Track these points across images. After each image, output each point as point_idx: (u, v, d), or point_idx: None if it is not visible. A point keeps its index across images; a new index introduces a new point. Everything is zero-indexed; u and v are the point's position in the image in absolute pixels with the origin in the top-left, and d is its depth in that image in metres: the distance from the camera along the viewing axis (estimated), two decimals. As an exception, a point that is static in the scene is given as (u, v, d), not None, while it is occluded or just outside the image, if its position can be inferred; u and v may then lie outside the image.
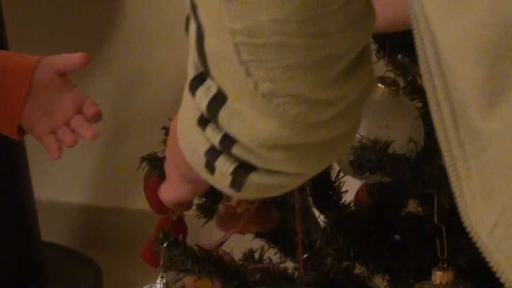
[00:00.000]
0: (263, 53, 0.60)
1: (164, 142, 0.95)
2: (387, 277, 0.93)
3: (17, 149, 1.64)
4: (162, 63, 1.70)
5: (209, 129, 0.67)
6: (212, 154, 0.68)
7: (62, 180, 1.97)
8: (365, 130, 0.88)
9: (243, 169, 0.68)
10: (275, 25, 0.58)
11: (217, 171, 0.68)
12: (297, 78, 0.61)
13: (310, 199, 0.96)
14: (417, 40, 0.62)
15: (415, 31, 0.62)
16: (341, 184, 0.94)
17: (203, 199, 1.01)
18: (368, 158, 0.85)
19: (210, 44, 0.62)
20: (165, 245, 0.91)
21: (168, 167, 0.89)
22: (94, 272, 1.58)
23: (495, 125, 0.57)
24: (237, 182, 0.69)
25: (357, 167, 0.85)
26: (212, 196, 1.00)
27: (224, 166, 0.67)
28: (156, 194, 1.07)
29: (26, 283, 1.49)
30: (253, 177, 0.68)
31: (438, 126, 0.62)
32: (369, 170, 0.87)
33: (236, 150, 0.66)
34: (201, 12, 0.62)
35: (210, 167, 0.68)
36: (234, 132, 0.65)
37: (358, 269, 0.95)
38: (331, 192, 0.94)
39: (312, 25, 0.60)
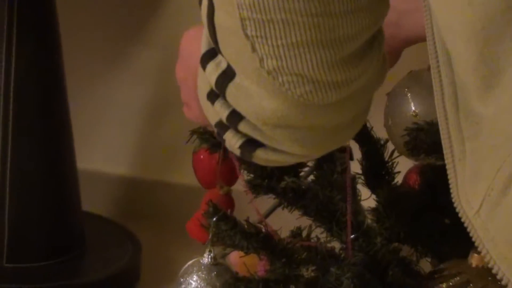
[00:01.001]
0: (268, 29, 0.60)
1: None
2: (434, 261, 0.93)
3: (61, 118, 1.65)
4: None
5: (218, 104, 0.68)
6: (221, 127, 0.70)
7: (105, 151, 1.99)
8: (421, 111, 0.87)
9: (250, 144, 0.69)
10: (281, 1, 0.58)
11: (226, 142, 0.70)
12: (302, 57, 0.61)
13: (361, 178, 0.95)
14: (427, 25, 0.62)
15: (426, 16, 0.62)
16: (394, 164, 0.93)
17: (251, 175, 1.01)
18: (424, 140, 0.85)
19: (219, 19, 0.63)
20: (214, 219, 0.91)
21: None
22: (133, 244, 1.60)
23: (491, 109, 0.57)
24: (245, 155, 0.71)
25: (412, 149, 0.85)
26: (260, 172, 1.00)
27: (232, 140, 0.69)
28: (204, 168, 1.08)
29: (65, 252, 1.52)
30: (259, 153, 0.70)
31: (439, 109, 0.62)
32: (424, 152, 0.86)
33: (242, 127, 0.68)
34: None
35: (220, 137, 0.71)
36: (241, 108, 0.67)
37: (405, 252, 0.96)
38: (383, 172, 0.93)
39: (318, 4, 0.59)
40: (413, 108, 0.88)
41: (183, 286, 0.97)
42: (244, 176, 1.06)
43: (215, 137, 1.02)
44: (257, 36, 0.62)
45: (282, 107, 0.65)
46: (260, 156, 0.72)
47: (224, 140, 0.73)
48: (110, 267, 1.57)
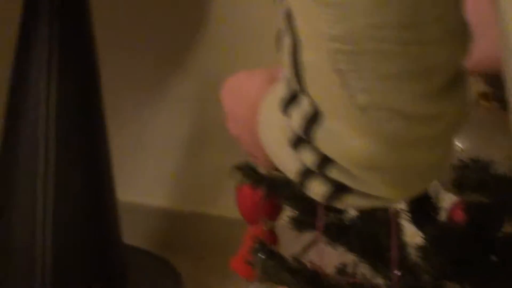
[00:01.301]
0: (359, 61, 0.59)
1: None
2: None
3: (101, 150, 1.68)
4: (248, 67, 1.75)
5: (303, 150, 0.66)
6: (304, 175, 0.68)
7: (144, 183, 2.01)
8: (467, 147, 0.87)
9: (337, 191, 0.67)
10: (372, 30, 0.58)
11: (311, 190, 0.68)
12: (394, 89, 0.60)
13: (405, 214, 0.95)
14: (504, 49, 0.60)
15: (502, 41, 0.61)
16: (440, 200, 0.94)
17: (296, 212, 1.02)
18: (470, 177, 0.85)
19: (305, 56, 0.62)
20: (260, 255, 0.92)
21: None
22: (174, 276, 1.62)
23: None
24: (330, 201, 0.69)
25: (458, 186, 0.85)
26: (304, 208, 1.01)
27: (319, 188, 0.67)
28: (248, 203, 1.10)
29: (106, 284, 1.55)
30: (347, 198, 0.68)
31: None
32: (471, 189, 0.87)
33: (331, 172, 0.66)
34: (298, 21, 0.61)
35: (302, 184, 0.68)
36: (330, 152, 0.65)
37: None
38: (429, 208, 0.93)
39: (410, 32, 0.59)
40: (459, 145, 0.87)
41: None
42: (287, 211, 1.06)
43: (258, 173, 1.06)
44: (348, 70, 0.61)
45: (374, 147, 0.64)
46: (347, 202, 0.70)
47: (306, 189, 0.70)
48: (151, 299, 1.61)
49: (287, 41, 0.64)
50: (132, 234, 1.82)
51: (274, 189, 1.03)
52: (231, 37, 1.98)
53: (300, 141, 0.66)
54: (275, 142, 0.71)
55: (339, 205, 0.70)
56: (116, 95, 1.84)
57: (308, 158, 0.66)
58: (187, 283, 1.80)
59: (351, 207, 0.86)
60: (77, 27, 1.65)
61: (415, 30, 0.59)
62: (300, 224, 0.98)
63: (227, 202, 1.84)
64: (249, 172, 1.03)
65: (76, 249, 1.70)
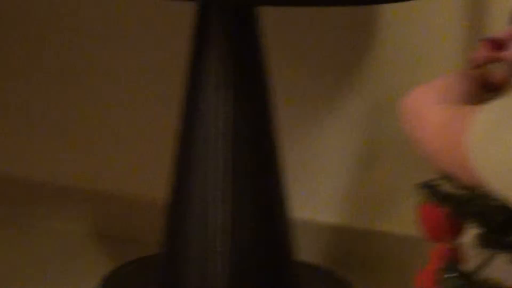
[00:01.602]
0: None
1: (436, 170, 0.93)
2: None
3: (274, 168, 1.69)
4: (418, 85, 1.80)
5: None
6: None
7: (317, 200, 2.00)
8: None
9: None
10: None
11: None
12: None
13: None
14: None
15: None
16: None
17: (484, 229, 1.01)
18: None
19: None
20: (449, 274, 0.92)
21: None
22: None
23: None
24: None
25: None
26: (494, 226, 1.01)
27: None
28: (433, 222, 1.10)
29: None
30: None
31: None
32: None
33: None
34: None
35: None
36: None
37: None
38: None
39: None
40: None
41: None
42: (471, 230, 1.08)
43: (443, 191, 1.01)
44: None
45: None
46: None
47: None
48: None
49: None
50: (305, 251, 1.82)
51: (460, 207, 1.00)
52: (399, 57, 1.96)
53: None
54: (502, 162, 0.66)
55: None
56: (288, 113, 1.86)
57: None
58: None
59: None
60: (250, 50, 1.67)
61: None
62: (489, 242, 0.98)
63: (400, 218, 1.91)
64: (433, 190, 1.04)
65: (252, 267, 1.70)
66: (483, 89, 0.89)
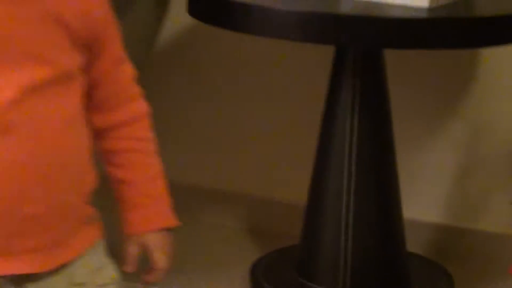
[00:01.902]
0: None
1: None
2: None
3: (392, 173, 1.89)
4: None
5: None
6: None
7: (424, 202, 2.16)
8: None
9: None
10: None
11: None
12: None
13: None
14: None
15: None
16: None
17: None
18: None
19: None
20: None
21: None
22: (446, 278, 1.82)
23: None
24: None
25: None
26: None
27: None
28: None
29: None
30: None
31: None
32: None
33: None
34: None
35: None
36: None
37: None
38: None
39: None
40: None
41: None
42: None
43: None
44: None
45: None
46: None
47: None
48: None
49: None
50: (413, 245, 2.00)
51: None
52: (500, 84, 2.12)
53: None
54: None
55: None
56: (403, 129, 2.02)
57: None
58: (459, 285, 1.94)
59: None
60: (375, 78, 1.86)
61: None
62: None
63: (493, 219, 2.11)
64: None
65: (371, 258, 1.87)
66: None
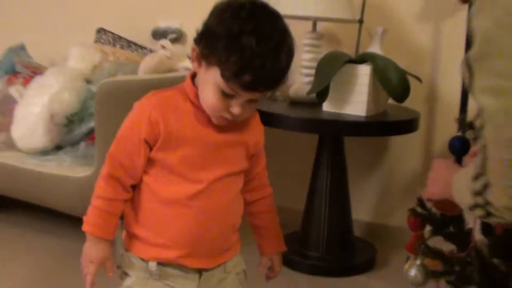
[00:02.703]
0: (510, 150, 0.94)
1: None
2: None
3: (345, 191, 2.58)
4: None
5: (478, 197, 1.01)
6: (475, 206, 1.04)
7: (361, 207, 2.90)
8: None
9: (488, 215, 1.03)
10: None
11: (474, 213, 1.05)
12: None
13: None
14: None
15: None
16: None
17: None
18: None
19: (490, 165, 0.96)
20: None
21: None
22: None
23: None
24: (482, 218, 1.05)
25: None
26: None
27: (480, 213, 1.05)
28: (414, 224, 1.62)
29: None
30: (492, 219, 1.04)
31: None
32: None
33: (489, 208, 1.01)
34: (486, 129, 0.95)
35: (471, 210, 1.05)
36: (491, 200, 0.99)
37: None
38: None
39: None
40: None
41: None
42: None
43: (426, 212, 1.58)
44: (507, 153, 0.93)
45: (509, 202, 0.99)
46: (491, 220, 1.05)
47: (472, 210, 1.07)
48: None
49: (481, 156, 0.97)
50: (356, 232, 2.68)
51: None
52: (402, 149, 2.80)
53: (478, 194, 1.02)
54: (462, 193, 1.05)
55: (484, 220, 1.08)
56: (351, 175, 2.62)
57: (479, 200, 1.02)
58: (379, 252, 2.61)
59: (487, 220, 1.12)
60: (339, 151, 2.53)
61: None
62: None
63: (400, 218, 2.71)
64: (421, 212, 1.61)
65: (336, 236, 2.54)
66: None
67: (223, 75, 1.20)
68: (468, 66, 1.01)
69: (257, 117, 1.40)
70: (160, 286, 1.35)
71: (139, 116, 1.29)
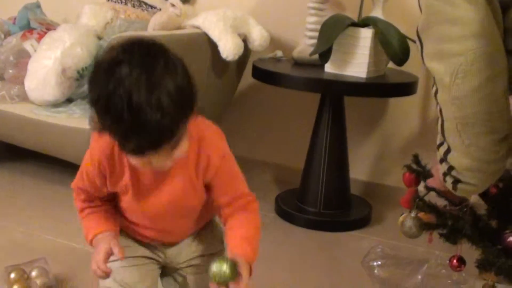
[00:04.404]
0: (466, 127, 0.97)
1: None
2: None
3: (344, 150, 2.55)
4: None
5: (443, 164, 1.08)
6: (444, 174, 1.11)
7: (359, 167, 2.89)
8: None
9: (455, 182, 1.08)
10: (473, 115, 0.94)
11: (446, 183, 1.12)
12: (481, 139, 0.98)
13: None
14: None
15: None
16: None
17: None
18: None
19: (446, 125, 1.03)
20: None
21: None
22: None
23: None
24: (454, 188, 1.11)
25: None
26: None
27: (449, 181, 1.10)
28: (409, 181, 1.59)
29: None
30: (460, 186, 1.10)
31: None
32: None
33: (453, 173, 1.07)
34: (443, 109, 0.99)
35: (444, 180, 1.12)
36: (452, 164, 1.05)
37: None
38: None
39: (490, 120, 0.94)
40: None
41: None
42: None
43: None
44: (461, 130, 0.98)
45: (472, 162, 1.03)
46: (461, 188, 1.09)
47: (445, 181, 1.10)
48: None
49: (439, 120, 1.02)
50: (352, 190, 2.67)
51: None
52: (402, 112, 2.78)
53: (443, 160, 1.08)
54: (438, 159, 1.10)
55: (457, 191, 1.09)
56: (350, 133, 2.61)
57: (444, 166, 1.07)
58: (374, 210, 2.63)
59: (460, 193, 1.15)
60: (339, 110, 2.54)
61: (492, 120, 0.96)
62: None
63: (395, 177, 2.75)
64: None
65: (334, 192, 2.53)
66: None
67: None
68: (418, 37, 1.06)
69: (208, 151, 1.26)
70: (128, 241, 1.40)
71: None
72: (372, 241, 2.38)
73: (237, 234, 1.23)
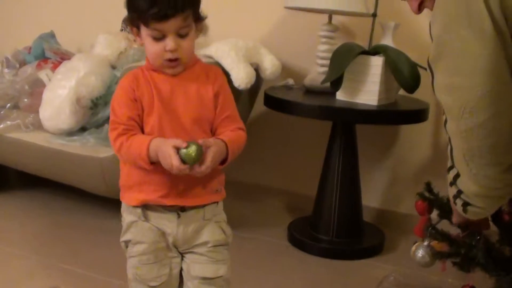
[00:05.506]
0: (473, 156, 1.02)
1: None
2: None
3: (356, 178, 2.54)
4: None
5: (453, 187, 1.14)
6: (454, 197, 1.16)
7: (371, 194, 2.88)
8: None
9: (464, 205, 1.12)
10: (480, 148, 0.97)
11: (456, 206, 1.16)
12: (488, 168, 1.01)
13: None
14: None
15: None
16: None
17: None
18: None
19: (454, 153, 1.07)
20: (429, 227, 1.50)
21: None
22: None
23: None
24: (464, 211, 1.14)
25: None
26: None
27: (459, 203, 1.15)
28: (421, 210, 1.60)
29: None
30: (470, 209, 1.13)
31: None
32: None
33: (462, 196, 1.12)
34: (452, 140, 1.02)
35: (454, 203, 1.15)
36: (461, 188, 1.11)
37: None
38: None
39: (495, 153, 0.97)
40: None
41: None
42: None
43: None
44: (468, 160, 1.01)
45: (479, 189, 1.06)
46: (470, 210, 1.10)
47: (455, 203, 1.11)
48: None
49: (449, 146, 1.08)
50: (365, 218, 2.66)
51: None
52: (411, 142, 2.77)
53: (452, 184, 1.13)
54: (448, 190, 1.15)
55: (467, 214, 1.11)
56: (362, 160, 2.62)
57: (454, 190, 1.13)
58: (387, 238, 2.60)
59: (470, 215, 1.17)
60: (351, 138, 2.51)
61: (497, 154, 1.00)
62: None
63: (408, 205, 2.72)
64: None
65: (346, 220, 2.50)
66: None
67: (144, 23, 1.34)
68: (429, 68, 1.09)
69: (215, 70, 1.48)
70: (147, 225, 1.46)
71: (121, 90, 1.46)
72: (385, 270, 2.38)
73: (225, 133, 1.43)
